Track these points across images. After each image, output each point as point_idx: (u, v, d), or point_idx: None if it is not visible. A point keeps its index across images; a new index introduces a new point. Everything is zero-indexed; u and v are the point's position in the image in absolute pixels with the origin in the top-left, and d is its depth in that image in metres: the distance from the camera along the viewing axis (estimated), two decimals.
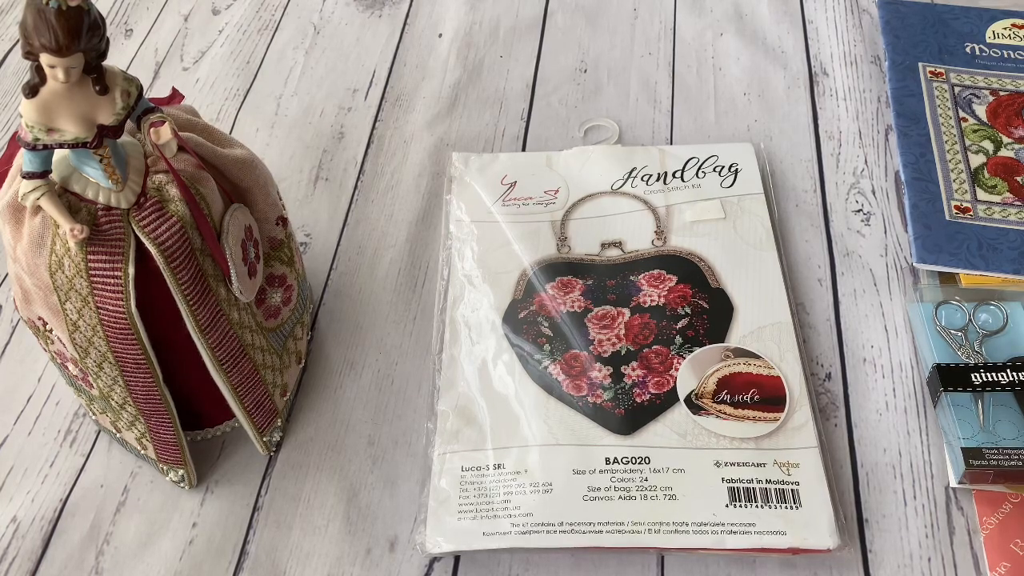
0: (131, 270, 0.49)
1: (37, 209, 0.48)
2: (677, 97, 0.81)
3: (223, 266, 0.51)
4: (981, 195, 0.69)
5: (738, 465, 0.56)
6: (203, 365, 0.54)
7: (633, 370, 0.61)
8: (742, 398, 0.59)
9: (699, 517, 0.54)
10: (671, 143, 0.77)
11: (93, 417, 0.60)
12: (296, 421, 0.62)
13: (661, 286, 0.65)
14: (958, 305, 0.64)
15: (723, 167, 0.72)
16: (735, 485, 0.56)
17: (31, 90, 0.44)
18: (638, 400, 0.60)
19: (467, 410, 0.60)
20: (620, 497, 0.55)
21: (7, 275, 0.70)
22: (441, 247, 0.70)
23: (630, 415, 0.59)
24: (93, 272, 0.48)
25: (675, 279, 0.66)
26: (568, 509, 0.55)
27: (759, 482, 0.56)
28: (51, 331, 0.53)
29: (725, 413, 0.59)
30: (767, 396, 0.59)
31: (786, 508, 0.55)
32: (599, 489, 0.56)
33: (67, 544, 0.58)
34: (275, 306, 0.59)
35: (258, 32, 0.89)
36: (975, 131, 0.73)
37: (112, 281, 0.49)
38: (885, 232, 0.70)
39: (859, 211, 0.72)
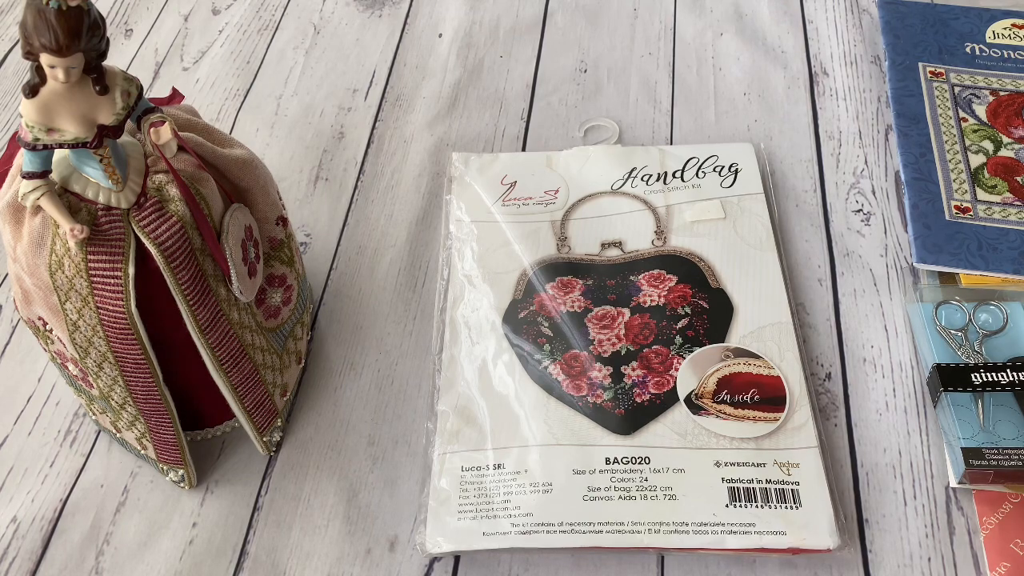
0: (131, 270, 0.49)
1: (37, 209, 0.48)
2: (677, 97, 0.81)
3: (223, 266, 0.51)
4: (981, 195, 0.69)
5: (738, 465, 0.56)
6: (203, 365, 0.54)
7: (633, 370, 0.61)
8: (742, 398, 0.59)
9: (699, 517, 0.54)
10: (671, 143, 0.77)
11: (93, 417, 0.60)
12: (296, 421, 0.62)
13: (661, 286, 0.65)
14: (958, 305, 0.64)
15: (723, 167, 0.72)
16: (735, 485, 0.56)
17: (31, 90, 0.44)
18: (638, 400, 0.60)
19: (467, 410, 0.60)
20: (620, 497, 0.55)
21: (7, 275, 0.70)
22: (441, 247, 0.70)
23: (630, 415, 0.59)
24: (93, 272, 0.48)
25: (675, 279, 0.66)
26: (568, 509, 0.55)
27: (759, 482, 0.56)
28: (51, 331, 0.53)
29: (725, 413, 0.59)
30: (767, 396, 0.59)
31: (786, 508, 0.55)
32: (599, 489, 0.56)
33: (67, 544, 0.58)
34: (275, 306, 0.59)
35: (258, 32, 0.89)
36: (975, 131, 0.73)
37: (112, 281, 0.49)
38: (885, 232, 0.70)
39: (859, 211, 0.72)
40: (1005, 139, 0.73)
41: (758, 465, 0.56)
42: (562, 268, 0.67)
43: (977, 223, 0.68)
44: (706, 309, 0.64)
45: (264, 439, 0.59)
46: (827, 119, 0.78)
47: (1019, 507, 0.55)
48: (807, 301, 0.67)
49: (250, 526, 0.58)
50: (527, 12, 0.89)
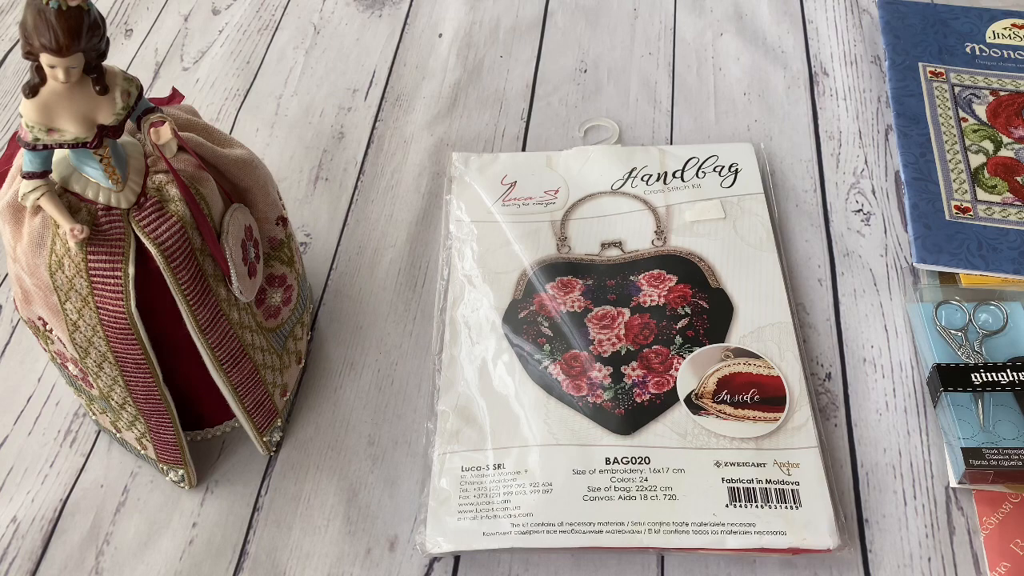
0: (131, 270, 0.49)
1: (37, 209, 0.48)
2: (677, 97, 0.81)
3: (223, 266, 0.51)
4: (981, 195, 0.69)
5: (738, 465, 0.56)
6: (203, 365, 0.54)
7: (633, 370, 0.61)
8: (742, 398, 0.59)
9: (699, 517, 0.54)
10: (671, 143, 0.77)
11: (93, 417, 0.60)
12: (296, 421, 0.62)
13: (661, 286, 0.65)
14: (958, 305, 0.64)
15: (723, 167, 0.72)
16: (735, 485, 0.56)
17: (31, 90, 0.44)
18: (638, 400, 0.60)
19: (467, 410, 0.60)
20: (620, 497, 0.55)
21: (7, 275, 0.70)
22: (441, 247, 0.70)
23: (630, 415, 0.59)
24: (93, 272, 0.48)
25: (675, 279, 0.66)
26: (568, 509, 0.55)
27: (759, 482, 0.56)
28: (51, 331, 0.53)
29: (725, 413, 0.59)
30: (767, 396, 0.59)
31: (786, 508, 0.55)
32: (599, 489, 0.56)
33: (67, 544, 0.58)
34: (275, 306, 0.59)
35: (258, 32, 0.89)
36: (975, 131, 0.73)
37: (112, 281, 0.49)
38: (885, 232, 0.70)
39: (859, 211, 0.72)
40: (1005, 139, 0.73)
41: (758, 465, 0.56)
42: (562, 268, 0.67)
43: (977, 223, 0.68)
44: (706, 309, 0.64)
45: (264, 439, 0.59)
46: (827, 119, 0.78)
47: (1019, 507, 0.55)
48: (807, 301, 0.67)
49: (250, 526, 0.58)
50: (527, 12, 0.89)
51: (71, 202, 0.49)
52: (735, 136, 0.77)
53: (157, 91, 0.84)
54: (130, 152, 0.50)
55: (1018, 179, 0.70)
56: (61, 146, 0.46)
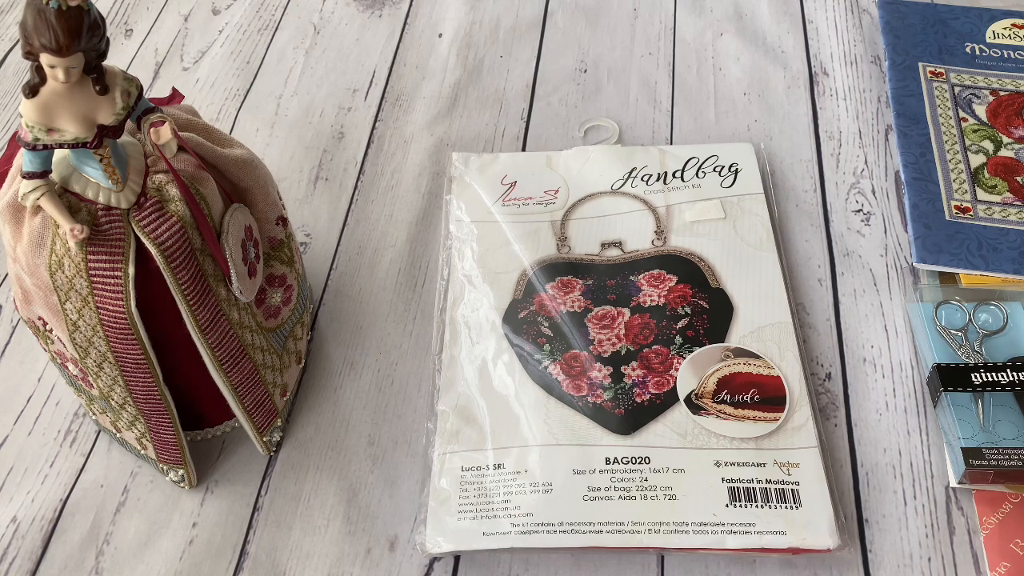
0: (131, 270, 0.49)
1: (37, 209, 0.48)
2: (677, 97, 0.81)
3: (223, 266, 0.51)
4: (981, 195, 0.69)
5: (738, 465, 0.56)
6: (203, 365, 0.54)
7: (633, 370, 0.61)
8: (742, 398, 0.59)
9: (699, 517, 0.54)
10: (671, 143, 0.77)
11: (93, 417, 0.60)
12: (296, 421, 0.62)
13: (661, 286, 0.65)
14: (958, 305, 0.64)
15: (723, 167, 0.72)
16: (735, 485, 0.56)
17: (31, 90, 0.44)
18: (638, 400, 0.60)
19: (467, 410, 0.60)
20: (620, 497, 0.55)
21: (7, 275, 0.70)
22: (441, 247, 0.70)
23: (630, 415, 0.59)
24: (93, 272, 0.48)
25: (675, 279, 0.66)
26: (568, 509, 0.55)
27: (759, 482, 0.56)
28: (51, 331, 0.53)
29: (725, 413, 0.59)
30: (767, 396, 0.59)
31: (786, 508, 0.55)
32: (599, 489, 0.56)
33: (67, 544, 0.58)
34: (275, 306, 0.59)
35: (258, 32, 0.89)
36: (975, 131, 0.74)
37: (112, 281, 0.49)
38: (885, 232, 0.70)
39: (859, 211, 0.72)
40: (1005, 139, 0.73)
41: (758, 465, 0.56)
42: (562, 268, 0.67)
43: (977, 223, 0.68)
44: (706, 309, 0.64)
45: (264, 439, 0.59)
46: (827, 119, 0.78)
47: (1019, 507, 0.55)
48: (807, 301, 0.67)
49: (250, 526, 0.58)
50: (527, 12, 0.89)
51: (71, 202, 0.49)
52: (735, 136, 0.77)
53: (157, 91, 0.84)
54: (130, 152, 0.50)
55: (1018, 179, 0.70)
56: (61, 146, 0.46)
